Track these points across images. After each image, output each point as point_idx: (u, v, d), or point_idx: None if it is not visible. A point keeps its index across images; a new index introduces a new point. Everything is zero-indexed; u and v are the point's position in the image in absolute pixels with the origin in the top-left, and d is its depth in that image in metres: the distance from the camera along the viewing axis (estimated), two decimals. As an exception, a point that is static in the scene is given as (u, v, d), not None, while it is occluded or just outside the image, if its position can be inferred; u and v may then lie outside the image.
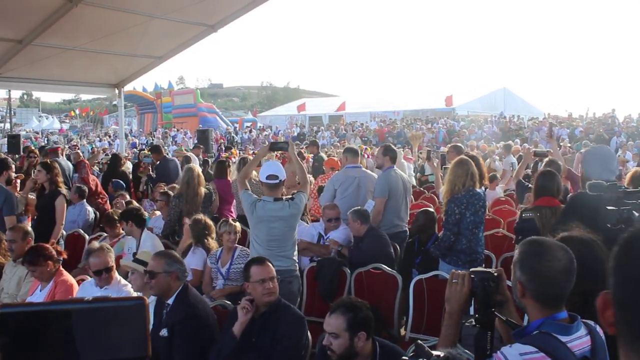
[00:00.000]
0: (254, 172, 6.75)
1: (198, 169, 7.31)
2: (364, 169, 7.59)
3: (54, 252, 4.96)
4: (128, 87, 18.86)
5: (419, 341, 1.82)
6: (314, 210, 8.14)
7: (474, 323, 2.34)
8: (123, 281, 4.75)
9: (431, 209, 6.91)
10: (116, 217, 6.78)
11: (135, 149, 21.43)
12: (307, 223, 7.00)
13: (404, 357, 1.78)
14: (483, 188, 5.83)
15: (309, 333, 3.93)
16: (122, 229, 6.61)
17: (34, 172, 7.47)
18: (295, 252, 5.23)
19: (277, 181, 5.03)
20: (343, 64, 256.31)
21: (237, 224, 5.86)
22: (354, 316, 3.22)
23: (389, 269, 5.51)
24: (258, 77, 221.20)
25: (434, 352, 1.76)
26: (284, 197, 5.20)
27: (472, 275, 2.40)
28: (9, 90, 47.06)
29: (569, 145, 19.66)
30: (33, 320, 1.15)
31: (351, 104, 44.48)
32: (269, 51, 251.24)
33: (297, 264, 5.22)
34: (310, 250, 6.28)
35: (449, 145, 8.32)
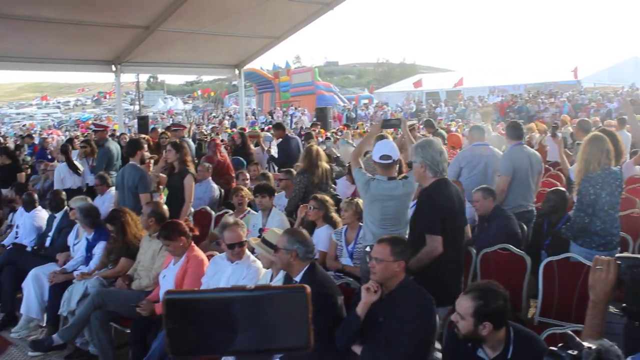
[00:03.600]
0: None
1: (317, 146, 7.37)
2: (491, 146, 7.32)
3: (186, 228, 5.20)
4: (245, 68, 19.37)
5: (569, 332, 1.71)
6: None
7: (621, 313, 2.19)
8: (252, 257, 4.88)
9: (562, 188, 6.57)
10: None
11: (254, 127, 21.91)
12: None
13: (551, 348, 1.68)
14: (619, 166, 5.47)
15: (437, 315, 3.86)
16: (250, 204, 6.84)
17: (164, 151, 7.78)
18: (408, 231, 5.14)
19: (390, 161, 4.92)
20: (460, 38, 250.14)
21: (356, 201, 5.80)
22: (484, 305, 3.11)
23: (517, 249, 5.32)
24: (374, 54, 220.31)
25: (585, 344, 1.65)
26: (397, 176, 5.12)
27: (619, 262, 2.24)
28: (137, 74, 49.67)
29: None
30: (197, 306, 1.17)
31: (469, 79, 43.31)
32: (384, 27, 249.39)
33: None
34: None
35: (576, 122, 7.82)
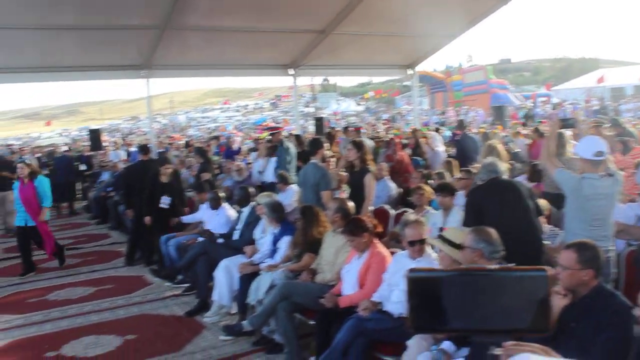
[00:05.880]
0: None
1: (499, 145, 7.17)
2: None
3: (370, 225, 5.32)
4: (417, 68, 19.19)
5: None
6: (628, 190, 7.45)
7: None
8: (434, 254, 4.88)
9: None
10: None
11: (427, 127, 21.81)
12: (623, 203, 6.42)
13: None
14: None
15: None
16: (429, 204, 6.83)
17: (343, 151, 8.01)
18: (612, 233, 4.93)
19: (603, 157, 4.79)
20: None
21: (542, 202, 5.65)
22: None
23: None
24: (550, 50, 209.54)
25: None
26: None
27: None
28: (312, 77, 51.38)
29: None
30: (439, 284, 1.20)
31: (660, 71, 39.74)
32: (561, 21, 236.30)
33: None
34: (627, 233, 5.77)
35: None
